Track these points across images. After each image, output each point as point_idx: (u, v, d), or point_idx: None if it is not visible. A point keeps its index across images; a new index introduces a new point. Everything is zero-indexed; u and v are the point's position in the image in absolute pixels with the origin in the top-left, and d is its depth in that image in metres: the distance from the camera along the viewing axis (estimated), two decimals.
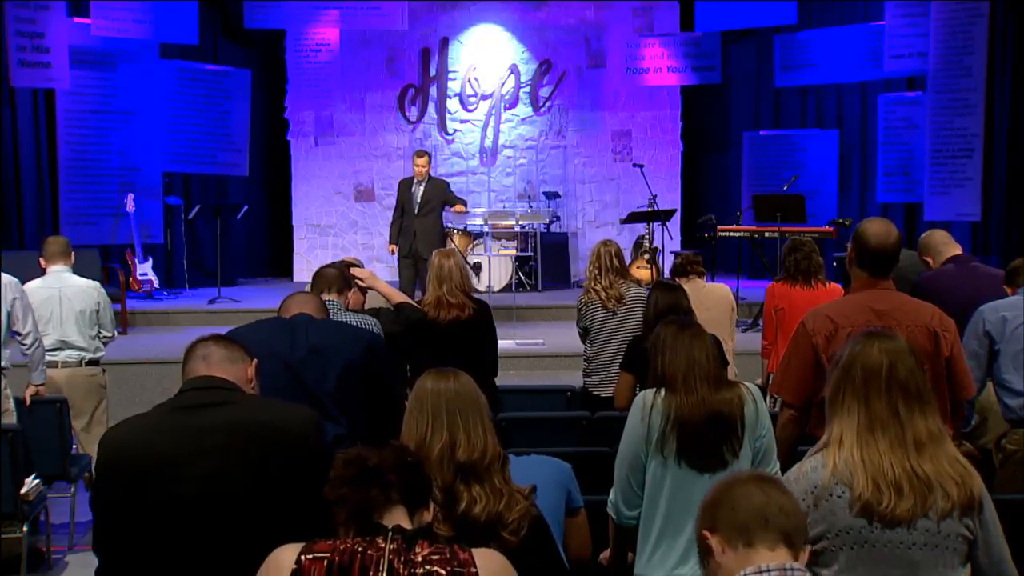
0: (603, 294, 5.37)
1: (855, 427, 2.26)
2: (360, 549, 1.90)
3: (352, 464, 1.99)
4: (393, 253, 9.42)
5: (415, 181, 9.31)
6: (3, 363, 5.12)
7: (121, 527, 2.32)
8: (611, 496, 3.06)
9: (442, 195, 9.36)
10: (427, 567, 1.89)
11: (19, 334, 5.17)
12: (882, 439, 2.23)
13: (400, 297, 4.86)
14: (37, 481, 4.89)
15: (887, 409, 2.24)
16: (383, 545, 1.91)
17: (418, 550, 1.91)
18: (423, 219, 9.22)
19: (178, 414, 2.40)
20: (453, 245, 10.07)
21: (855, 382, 2.28)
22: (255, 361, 2.61)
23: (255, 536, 2.21)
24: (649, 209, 10.49)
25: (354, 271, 4.57)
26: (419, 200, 9.22)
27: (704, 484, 2.74)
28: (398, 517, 1.97)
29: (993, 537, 2.27)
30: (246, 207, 10.98)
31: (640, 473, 2.98)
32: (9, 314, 5.11)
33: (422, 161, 9.33)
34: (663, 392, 2.99)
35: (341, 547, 1.91)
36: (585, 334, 5.52)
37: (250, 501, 2.30)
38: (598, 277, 5.42)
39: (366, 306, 4.92)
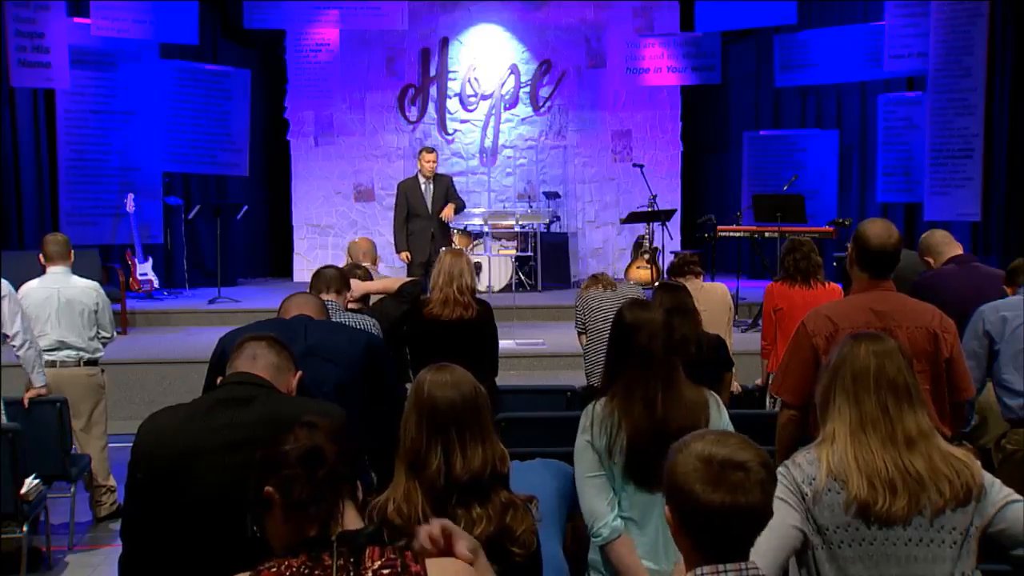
0: (603, 280, 5.65)
1: (847, 426, 2.28)
2: (306, 572, 1.77)
3: (305, 474, 1.82)
4: (408, 260, 8.98)
5: (423, 180, 8.99)
6: None
7: (146, 516, 2.34)
8: (587, 522, 2.87)
9: (446, 192, 9.09)
10: None
11: (7, 336, 5.16)
12: (874, 437, 2.25)
13: (396, 282, 4.97)
14: (37, 481, 4.89)
15: (877, 407, 2.27)
16: (329, 562, 1.77)
17: (368, 562, 1.78)
18: (439, 220, 8.96)
19: (212, 407, 2.43)
20: (455, 245, 10.08)
21: (844, 383, 2.31)
22: (299, 373, 2.62)
23: None
24: (649, 209, 10.50)
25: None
26: (432, 200, 8.95)
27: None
28: (346, 516, 1.86)
29: (1008, 500, 2.25)
30: (246, 207, 10.99)
31: (599, 473, 2.87)
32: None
33: (432, 157, 9.03)
34: (603, 400, 2.92)
35: (287, 573, 1.77)
36: (584, 331, 5.60)
37: None
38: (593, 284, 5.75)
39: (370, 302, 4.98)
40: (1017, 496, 2.27)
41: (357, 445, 1.99)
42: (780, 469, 2.30)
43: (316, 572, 1.77)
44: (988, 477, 2.28)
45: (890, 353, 2.32)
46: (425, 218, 8.93)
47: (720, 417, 2.95)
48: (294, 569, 1.78)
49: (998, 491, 2.27)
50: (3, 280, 5.20)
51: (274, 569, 1.79)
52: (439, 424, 2.30)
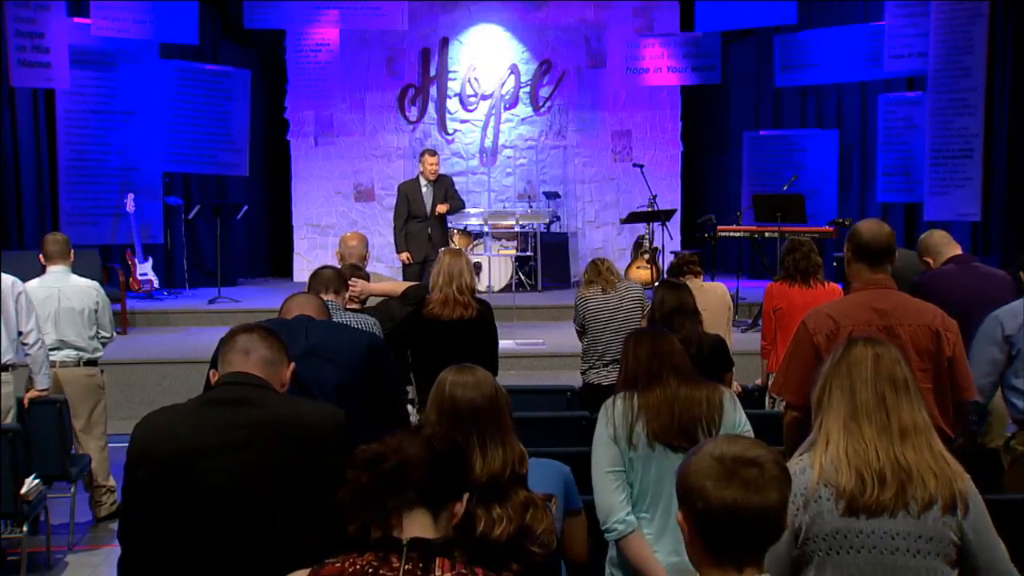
0: (602, 280, 5.57)
1: (841, 418, 2.26)
2: (371, 571, 1.75)
3: (370, 465, 1.83)
4: (408, 261, 9.01)
5: (424, 182, 9.05)
6: (8, 359, 5.11)
7: (143, 517, 2.32)
8: (600, 517, 2.96)
9: (446, 193, 9.14)
10: None
11: (21, 333, 5.17)
12: (868, 427, 2.24)
13: (401, 286, 5.01)
14: (37, 481, 4.88)
15: (873, 397, 2.26)
16: (397, 564, 1.75)
17: (438, 572, 1.75)
18: (437, 221, 9.01)
19: (208, 408, 2.40)
20: (454, 244, 10.08)
21: (840, 375, 2.30)
22: (292, 365, 2.60)
23: (276, 535, 2.21)
24: (649, 209, 10.50)
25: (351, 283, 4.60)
26: (431, 201, 9.00)
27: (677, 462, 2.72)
28: (418, 523, 1.82)
29: (985, 537, 2.24)
30: (246, 207, 10.99)
31: (619, 469, 2.96)
32: (15, 311, 5.11)
33: (434, 160, 9.09)
34: (624, 394, 3.03)
35: (350, 569, 1.75)
36: (583, 331, 5.59)
37: (272, 499, 2.29)
38: (597, 279, 5.64)
39: (369, 303, 4.98)
40: (1001, 547, 2.25)
41: (455, 463, 1.95)
42: None
43: (381, 571, 1.75)
44: (984, 514, 2.26)
45: (889, 349, 2.33)
46: (423, 219, 8.98)
47: (736, 416, 3.02)
48: (358, 567, 1.76)
49: (990, 531, 2.25)
50: (16, 279, 5.21)
51: (338, 564, 1.78)
52: (459, 424, 2.32)
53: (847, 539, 2.20)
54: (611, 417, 3.00)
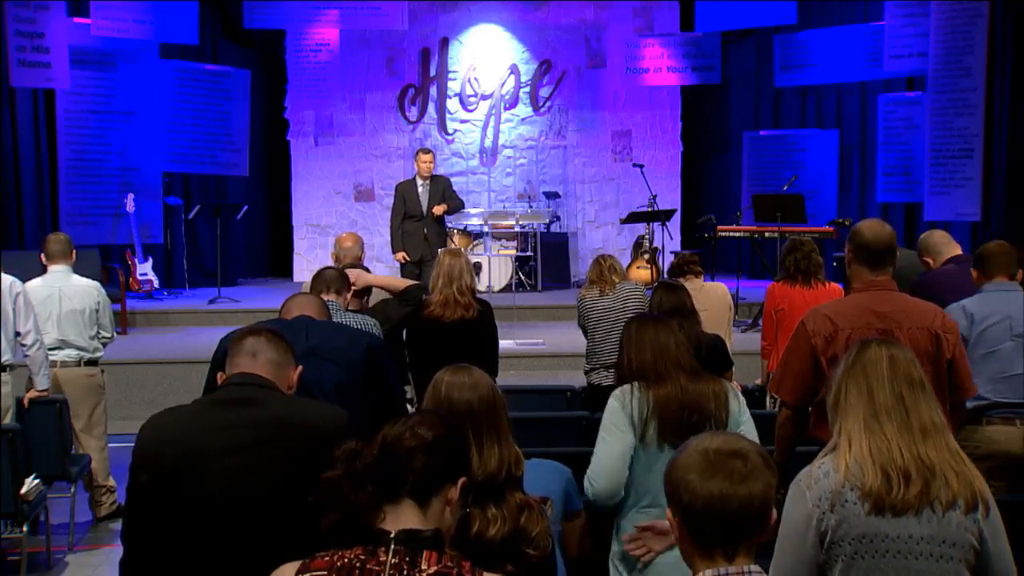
0: (602, 282, 5.56)
1: (861, 417, 2.25)
2: (358, 564, 1.76)
3: (342, 462, 1.86)
4: (404, 261, 9.01)
5: (420, 181, 9.06)
6: (7, 359, 5.11)
7: (147, 517, 2.32)
8: (590, 483, 2.99)
9: (443, 193, 9.14)
10: None
11: (19, 333, 5.17)
12: (888, 425, 2.23)
13: (402, 283, 4.99)
14: (37, 481, 4.88)
15: (892, 397, 2.25)
16: (384, 558, 1.76)
17: (424, 566, 1.76)
18: (433, 220, 8.99)
19: (213, 409, 2.41)
20: (453, 244, 10.08)
21: (856, 376, 2.29)
22: (300, 368, 2.60)
23: (280, 535, 2.22)
24: (649, 209, 10.51)
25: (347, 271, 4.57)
26: (428, 200, 8.99)
27: None
28: (406, 515, 1.83)
29: (1000, 542, 2.24)
30: (246, 207, 10.99)
31: (630, 453, 2.99)
32: (13, 311, 5.11)
33: (428, 158, 9.09)
34: (637, 384, 3.03)
35: (338, 563, 1.77)
36: (585, 331, 5.60)
37: (276, 499, 2.29)
38: (597, 280, 5.63)
39: (370, 302, 4.97)
40: (1010, 553, 2.25)
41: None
42: (795, 487, 2.27)
43: (369, 565, 1.76)
44: (1000, 518, 2.26)
45: (903, 351, 2.33)
46: (419, 219, 8.97)
47: (739, 406, 3.05)
48: (346, 560, 1.77)
49: (1003, 536, 2.25)
50: (16, 279, 5.21)
51: (326, 559, 1.79)
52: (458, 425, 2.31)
53: (872, 543, 2.20)
54: (629, 405, 2.99)
